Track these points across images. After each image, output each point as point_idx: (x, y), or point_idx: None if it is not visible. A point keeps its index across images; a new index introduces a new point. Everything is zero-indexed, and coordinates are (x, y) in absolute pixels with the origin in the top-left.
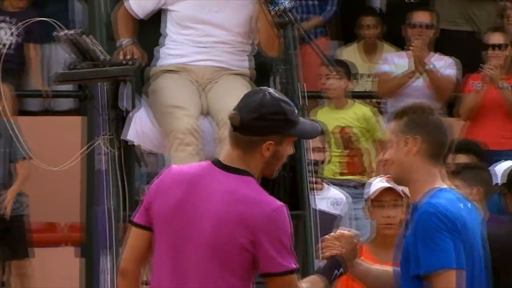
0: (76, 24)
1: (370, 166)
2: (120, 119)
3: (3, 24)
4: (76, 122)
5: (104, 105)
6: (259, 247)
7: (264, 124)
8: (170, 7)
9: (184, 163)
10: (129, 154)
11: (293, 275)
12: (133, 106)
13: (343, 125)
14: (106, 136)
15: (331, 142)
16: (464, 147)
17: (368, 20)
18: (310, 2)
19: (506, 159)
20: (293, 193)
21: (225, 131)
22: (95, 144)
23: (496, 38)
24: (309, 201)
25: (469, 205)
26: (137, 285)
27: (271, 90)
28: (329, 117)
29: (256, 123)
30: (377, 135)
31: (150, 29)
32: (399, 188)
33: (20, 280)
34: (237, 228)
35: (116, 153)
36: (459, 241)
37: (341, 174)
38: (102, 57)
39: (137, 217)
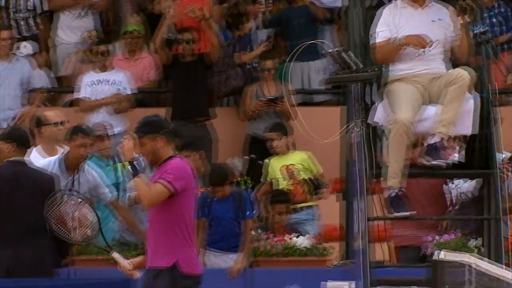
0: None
1: None
2: (366, 109)
3: None
4: (331, 111)
5: (357, 99)
6: None
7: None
8: None
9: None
10: (373, 132)
11: None
12: (374, 101)
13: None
14: (359, 120)
15: None
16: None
17: None
18: (494, 20)
19: None
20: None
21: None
22: (350, 126)
23: None
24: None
25: None
26: None
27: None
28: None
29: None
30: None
31: None
32: None
33: None
34: None
35: (365, 131)
36: None
37: None
38: (355, 67)
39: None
